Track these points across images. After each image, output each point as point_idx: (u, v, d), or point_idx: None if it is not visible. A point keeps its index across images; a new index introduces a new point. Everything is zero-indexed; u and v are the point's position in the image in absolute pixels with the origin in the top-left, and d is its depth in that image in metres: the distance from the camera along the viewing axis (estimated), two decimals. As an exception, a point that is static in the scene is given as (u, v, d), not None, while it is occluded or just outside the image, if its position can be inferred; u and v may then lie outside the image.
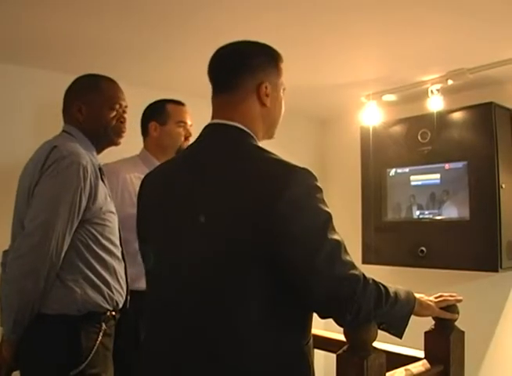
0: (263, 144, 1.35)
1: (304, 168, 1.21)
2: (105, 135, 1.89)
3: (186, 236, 1.27)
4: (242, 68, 1.34)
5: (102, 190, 1.76)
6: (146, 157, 2.34)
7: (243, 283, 1.20)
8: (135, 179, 2.26)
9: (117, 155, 2.23)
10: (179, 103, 2.41)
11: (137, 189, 2.20)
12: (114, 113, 1.89)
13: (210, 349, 1.22)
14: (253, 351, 1.20)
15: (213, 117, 1.37)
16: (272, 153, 1.26)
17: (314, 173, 1.23)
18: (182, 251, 1.29)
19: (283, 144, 2.01)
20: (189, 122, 2.38)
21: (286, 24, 2.25)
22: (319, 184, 1.22)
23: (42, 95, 2.75)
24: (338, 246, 1.20)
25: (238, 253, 1.18)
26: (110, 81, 1.92)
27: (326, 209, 1.21)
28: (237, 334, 1.20)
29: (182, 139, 2.35)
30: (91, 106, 1.85)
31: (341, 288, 1.19)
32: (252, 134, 1.33)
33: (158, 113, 2.39)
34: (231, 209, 1.19)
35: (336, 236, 1.20)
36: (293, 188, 1.16)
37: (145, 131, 2.42)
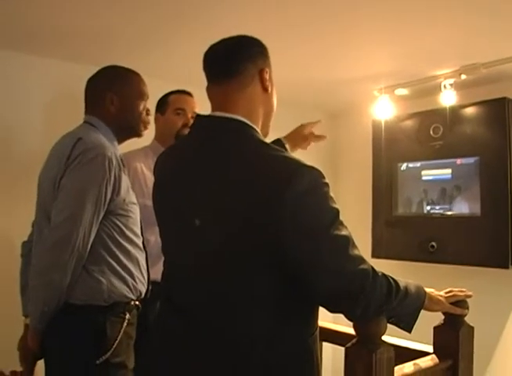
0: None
1: (310, 166, 1.19)
2: (135, 126, 1.91)
3: (191, 234, 1.28)
4: (244, 55, 1.34)
5: (125, 182, 1.77)
6: (155, 147, 2.37)
7: (250, 280, 1.20)
8: (145, 169, 2.29)
9: (128, 146, 2.24)
10: (183, 92, 2.45)
11: (147, 179, 2.25)
12: (143, 105, 1.92)
13: (217, 344, 1.23)
14: (259, 344, 1.20)
15: (214, 109, 1.36)
16: (278, 149, 1.25)
17: (322, 170, 1.21)
18: (187, 247, 1.30)
19: (294, 137, 2.01)
20: (188, 109, 2.39)
21: (300, 22, 2.26)
22: (326, 180, 1.20)
23: (54, 84, 2.77)
24: (346, 241, 1.19)
25: (245, 249, 1.19)
26: (137, 74, 1.94)
27: (334, 205, 1.20)
28: (244, 329, 1.21)
29: (179, 125, 2.36)
30: (124, 97, 1.86)
31: (350, 283, 1.18)
32: (255, 126, 1.32)
33: (161, 104, 2.46)
34: (238, 207, 1.18)
35: (344, 232, 1.19)
36: (300, 185, 1.15)
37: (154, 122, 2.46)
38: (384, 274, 1.24)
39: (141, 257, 1.82)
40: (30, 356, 1.76)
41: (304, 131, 1.97)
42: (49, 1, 2.05)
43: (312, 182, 1.18)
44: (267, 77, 1.36)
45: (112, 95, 1.84)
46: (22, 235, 1.97)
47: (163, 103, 2.44)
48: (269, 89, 1.37)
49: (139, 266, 1.81)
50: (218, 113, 1.33)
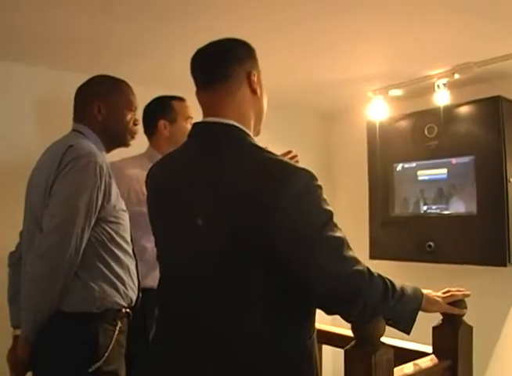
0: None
1: (303, 168, 1.20)
2: (122, 136, 1.92)
3: (187, 238, 1.28)
4: (232, 59, 1.34)
5: (115, 189, 1.78)
6: (153, 156, 2.32)
7: (246, 283, 1.20)
8: (141, 177, 2.25)
9: (117, 154, 2.23)
10: (182, 99, 2.42)
11: (143, 186, 2.21)
12: (131, 115, 1.93)
13: (213, 347, 1.23)
14: (256, 347, 1.21)
15: (205, 114, 1.36)
16: (271, 153, 1.26)
17: (317, 172, 1.22)
18: (183, 252, 1.30)
19: (289, 139, 2.02)
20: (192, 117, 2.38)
21: (292, 23, 2.26)
22: (318, 183, 1.21)
23: (42, 92, 2.75)
24: (340, 243, 1.20)
25: (239, 253, 1.19)
26: (127, 84, 1.95)
27: (327, 207, 1.21)
28: (241, 332, 1.21)
29: None
30: (112, 107, 1.88)
31: (346, 285, 1.19)
32: (247, 130, 1.33)
33: (166, 110, 2.38)
34: (234, 210, 1.18)
35: (337, 234, 1.20)
36: (294, 188, 1.15)
37: (153, 129, 2.39)
38: (379, 275, 1.25)
39: (131, 264, 1.83)
40: (20, 367, 1.73)
41: None
42: (36, 8, 2.04)
43: (306, 185, 1.18)
44: (255, 79, 1.36)
45: (99, 103, 1.86)
46: (10, 245, 1.95)
47: (169, 110, 2.38)
48: (258, 91, 1.37)
49: (130, 273, 1.81)
50: (209, 119, 1.34)
